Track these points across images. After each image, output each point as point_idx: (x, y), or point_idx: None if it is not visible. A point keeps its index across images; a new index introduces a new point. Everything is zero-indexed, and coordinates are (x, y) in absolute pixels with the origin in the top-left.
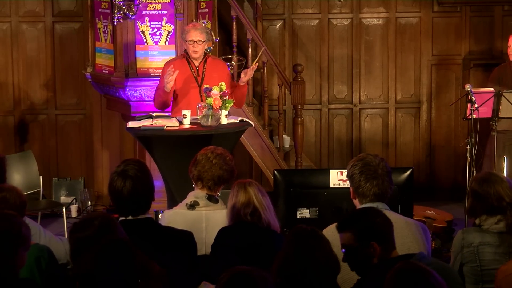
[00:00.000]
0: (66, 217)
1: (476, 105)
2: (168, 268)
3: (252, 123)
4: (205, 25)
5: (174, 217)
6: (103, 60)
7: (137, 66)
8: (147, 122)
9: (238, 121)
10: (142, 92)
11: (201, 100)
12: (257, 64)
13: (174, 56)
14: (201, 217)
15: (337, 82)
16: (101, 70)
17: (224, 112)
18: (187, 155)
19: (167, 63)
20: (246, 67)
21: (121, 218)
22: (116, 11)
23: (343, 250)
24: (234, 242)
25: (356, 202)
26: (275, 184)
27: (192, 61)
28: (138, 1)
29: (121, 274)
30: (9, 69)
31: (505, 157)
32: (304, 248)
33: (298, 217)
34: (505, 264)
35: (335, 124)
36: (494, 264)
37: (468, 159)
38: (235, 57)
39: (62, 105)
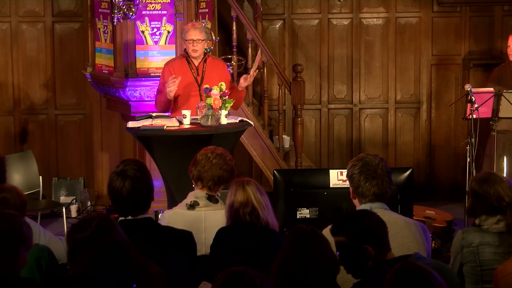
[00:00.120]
0: (66, 217)
1: (476, 105)
2: (168, 268)
3: (252, 123)
4: (205, 25)
5: (174, 217)
6: (103, 60)
7: (137, 66)
8: (147, 122)
9: (238, 121)
10: (142, 92)
11: (201, 100)
12: (257, 71)
13: (174, 56)
14: (201, 217)
15: (337, 82)
16: (101, 70)
17: (224, 112)
18: (187, 155)
19: (167, 63)
20: (246, 67)
21: (120, 218)
22: (116, 11)
23: (338, 253)
24: (233, 242)
25: (355, 202)
26: (275, 184)
27: (191, 60)
28: (138, 1)
29: (118, 276)
30: (9, 69)
31: (505, 157)
32: (303, 248)
33: (298, 217)
34: (503, 264)
35: (335, 124)
36: (494, 264)
37: (468, 159)
38: (235, 57)
39: (62, 105)
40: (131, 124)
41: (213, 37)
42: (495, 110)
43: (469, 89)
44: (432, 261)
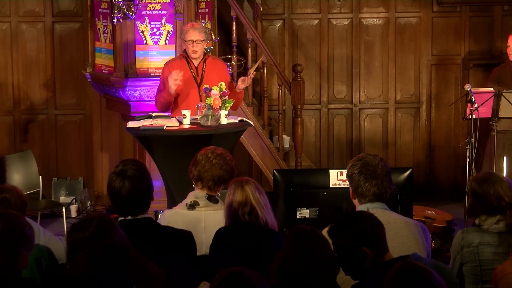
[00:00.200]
0: (66, 217)
1: (475, 105)
2: (168, 268)
3: (251, 123)
4: (204, 25)
5: (174, 217)
6: (103, 60)
7: (137, 66)
8: (146, 122)
9: (237, 121)
10: (141, 92)
11: (201, 100)
12: (254, 73)
13: (174, 56)
14: (201, 217)
15: (336, 82)
16: (100, 70)
17: (223, 112)
18: (187, 155)
19: (167, 64)
20: (246, 67)
21: (120, 218)
22: (115, 11)
23: (336, 255)
24: (233, 242)
25: (355, 202)
26: (274, 184)
27: (191, 61)
28: (138, 1)
29: (117, 276)
30: (9, 69)
31: (505, 157)
32: (303, 248)
33: (297, 217)
34: (502, 264)
35: (335, 124)
36: (494, 264)
37: (468, 159)
38: (234, 57)
39: (62, 105)
40: (131, 124)
41: (213, 37)
42: (495, 110)
43: (469, 89)
44: (431, 261)
